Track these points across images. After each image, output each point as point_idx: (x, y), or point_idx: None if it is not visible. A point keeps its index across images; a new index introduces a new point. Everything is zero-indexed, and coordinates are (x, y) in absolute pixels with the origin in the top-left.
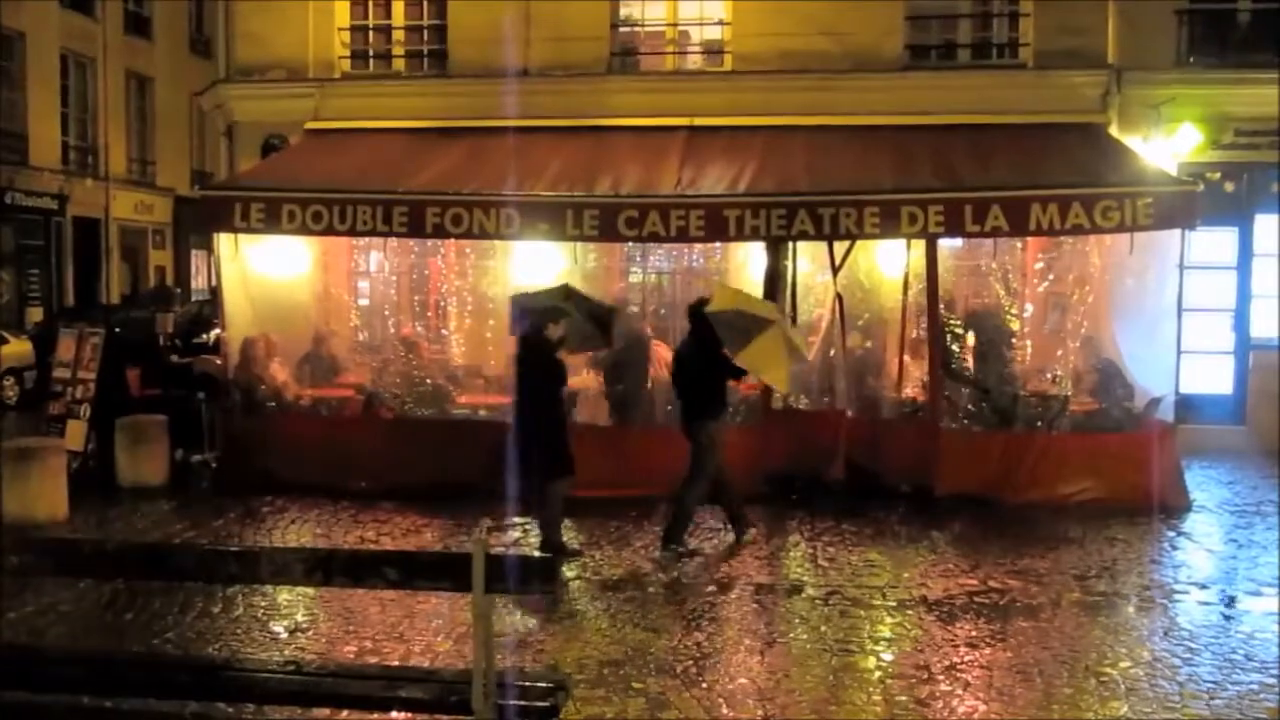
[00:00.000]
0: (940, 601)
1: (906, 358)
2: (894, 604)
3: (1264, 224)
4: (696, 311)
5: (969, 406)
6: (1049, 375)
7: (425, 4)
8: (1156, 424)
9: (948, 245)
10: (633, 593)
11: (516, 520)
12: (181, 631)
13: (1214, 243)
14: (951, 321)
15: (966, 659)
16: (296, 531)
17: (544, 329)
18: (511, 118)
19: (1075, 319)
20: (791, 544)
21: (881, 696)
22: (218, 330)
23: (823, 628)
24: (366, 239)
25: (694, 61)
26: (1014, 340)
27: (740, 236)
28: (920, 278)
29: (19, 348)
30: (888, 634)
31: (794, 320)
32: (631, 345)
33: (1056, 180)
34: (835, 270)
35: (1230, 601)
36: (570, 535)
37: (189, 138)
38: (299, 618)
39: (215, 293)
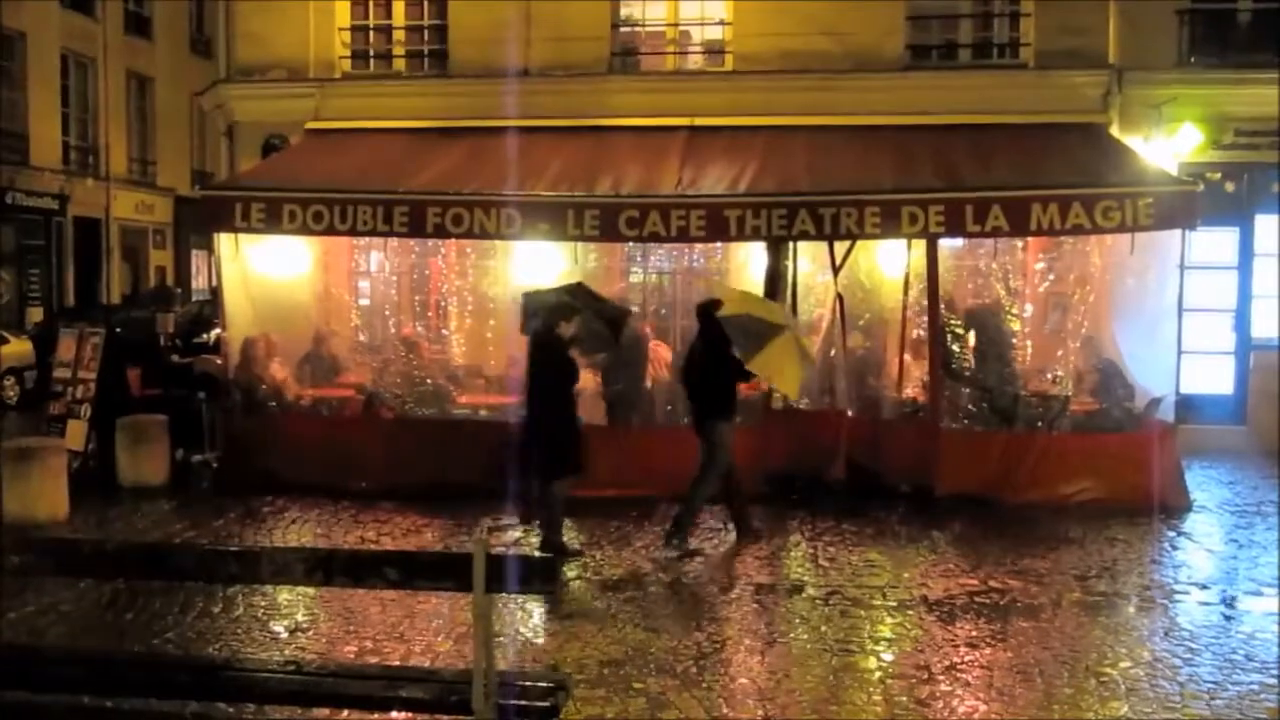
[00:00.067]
0: (941, 601)
1: (907, 358)
2: (894, 604)
3: (1264, 224)
4: (706, 312)
5: (969, 406)
6: (1049, 375)
7: (426, 4)
8: (1157, 424)
9: (948, 245)
10: (633, 592)
11: (515, 521)
12: (182, 631)
13: (1214, 243)
14: (952, 321)
15: (967, 659)
16: (297, 531)
17: (556, 327)
18: (512, 118)
19: (1076, 319)
20: (792, 544)
21: (882, 696)
22: (218, 330)
23: (823, 628)
24: (367, 239)
25: (695, 61)
26: (1014, 340)
27: (741, 236)
28: (921, 278)
29: (19, 348)
30: (888, 634)
31: None
32: (629, 345)
33: (1057, 180)
34: (836, 270)
35: (1231, 602)
36: (570, 535)
37: (189, 138)
38: (299, 618)
39: (216, 293)
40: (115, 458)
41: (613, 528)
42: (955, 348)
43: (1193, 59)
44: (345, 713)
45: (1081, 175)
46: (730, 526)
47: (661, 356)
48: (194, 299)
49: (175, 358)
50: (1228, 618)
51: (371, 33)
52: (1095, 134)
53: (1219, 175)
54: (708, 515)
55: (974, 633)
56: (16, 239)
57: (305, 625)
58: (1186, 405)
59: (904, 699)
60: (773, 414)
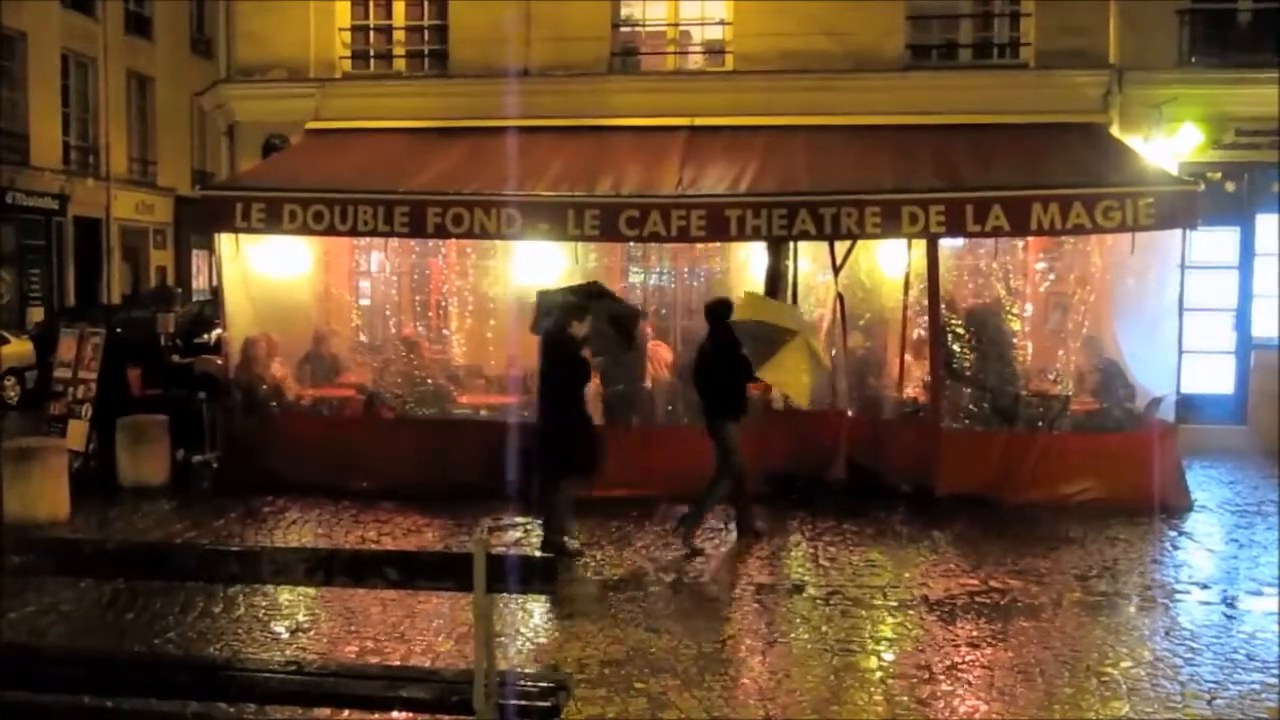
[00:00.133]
0: (941, 601)
1: (908, 357)
2: (895, 604)
3: (1265, 224)
4: (716, 313)
5: (970, 406)
6: (1050, 375)
7: (426, 4)
8: (1158, 424)
9: (949, 245)
10: (633, 592)
11: (519, 520)
12: (182, 631)
13: (1215, 242)
14: (953, 321)
15: (968, 659)
16: (297, 531)
17: (568, 327)
18: (512, 118)
19: (1076, 319)
20: (793, 544)
21: (883, 696)
22: (219, 330)
23: (824, 627)
24: (367, 239)
25: (695, 61)
26: (1015, 340)
27: (741, 236)
28: (921, 277)
29: (20, 348)
30: (889, 634)
31: None
32: None
33: (1058, 180)
34: (836, 270)
35: (1231, 601)
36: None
37: (190, 138)
38: (300, 617)
39: (216, 293)
40: (116, 458)
41: (613, 528)
42: (956, 348)
43: (1193, 59)
44: (346, 713)
45: (1082, 175)
46: (731, 526)
47: (661, 356)
48: (194, 299)
49: (176, 358)
50: (1229, 617)
51: (372, 33)
52: (1096, 134)
53: (1219, 175)
54: (708, 515)
55: (975, 632)
56: (17, 239)
57: (306, 625)
58: (1187, 405)
59: (905, 699)
60: (773, 414)
